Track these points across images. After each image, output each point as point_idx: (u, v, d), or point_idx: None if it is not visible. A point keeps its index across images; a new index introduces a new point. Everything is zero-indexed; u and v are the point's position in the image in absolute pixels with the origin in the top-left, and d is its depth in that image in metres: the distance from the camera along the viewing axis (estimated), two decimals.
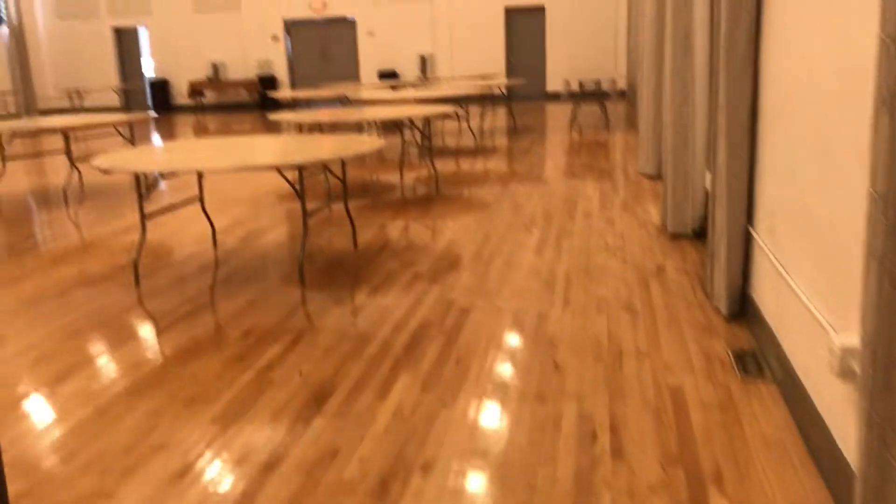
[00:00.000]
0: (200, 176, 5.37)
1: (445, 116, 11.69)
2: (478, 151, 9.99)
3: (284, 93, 12.92)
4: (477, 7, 18.93)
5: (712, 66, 3.60)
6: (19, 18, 19.68)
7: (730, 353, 3.06)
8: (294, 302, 4.01)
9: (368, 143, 4.64)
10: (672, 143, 4.85)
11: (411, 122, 8.77)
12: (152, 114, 8.38)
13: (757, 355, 3.03)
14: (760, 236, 3.21)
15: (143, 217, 4.59)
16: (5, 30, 19.44)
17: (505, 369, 3.02)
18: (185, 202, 5.43)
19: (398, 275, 4.42)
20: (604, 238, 5.10)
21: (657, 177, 7.34)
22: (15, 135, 8.11)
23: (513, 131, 12.57)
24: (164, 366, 3.22)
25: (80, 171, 8.86)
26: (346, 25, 19.68)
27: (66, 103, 19.78)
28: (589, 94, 17.81)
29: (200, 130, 16.63)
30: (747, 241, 3.42)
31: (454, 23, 19.11)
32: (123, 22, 20.53)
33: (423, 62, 19.31)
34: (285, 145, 4.76)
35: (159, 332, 3.64)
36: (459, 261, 4.68)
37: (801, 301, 2.44)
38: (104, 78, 20.72)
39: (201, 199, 5.39)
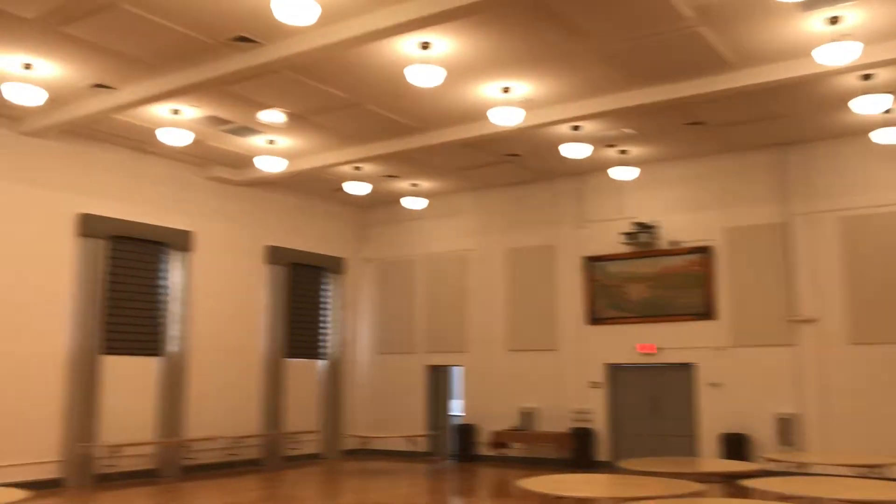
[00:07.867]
0: None
1: None
2: None
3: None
4: (859, 348, 14.07)
5: None
6: (341, 353, 19.27)
7: None
8: None
9: None
10: None
11: None
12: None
13: None
14: None
15: None
16: (322, 363, 19.02)
17: None
18: None
19: None
20: None
21: None
22: None
23: None
24: None
25: None
26: (682, 372, 15.95)
27: (363, 444, 18.22)
28: None
29: (500, 492, 13.59)
30: None
31: (824, 380, 14.35)
32: (438, 360, 19.12)
33: (784, 426, 14.53)
34: None
35: None
36: None
37: None
38: (411, 418, 19.04)
39: None
